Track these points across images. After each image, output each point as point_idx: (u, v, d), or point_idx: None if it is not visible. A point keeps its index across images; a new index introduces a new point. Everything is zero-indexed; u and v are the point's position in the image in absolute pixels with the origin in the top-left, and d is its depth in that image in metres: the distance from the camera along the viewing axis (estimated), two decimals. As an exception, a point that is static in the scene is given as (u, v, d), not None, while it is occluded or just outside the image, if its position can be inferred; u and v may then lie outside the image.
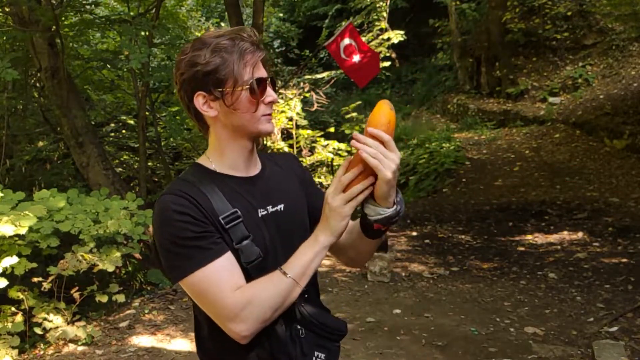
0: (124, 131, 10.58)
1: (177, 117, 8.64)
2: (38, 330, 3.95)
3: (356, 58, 7.02)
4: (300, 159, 10.86)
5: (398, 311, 4.50)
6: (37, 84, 8.52)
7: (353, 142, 1.12)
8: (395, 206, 1.17)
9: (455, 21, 13.63)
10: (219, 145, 1.25)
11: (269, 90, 1.23)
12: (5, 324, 3.80)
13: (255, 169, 1.31)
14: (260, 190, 1.28)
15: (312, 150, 11.02)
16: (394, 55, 12.71)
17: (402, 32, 12.23)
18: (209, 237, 1.14)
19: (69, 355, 3.84)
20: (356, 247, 1.32)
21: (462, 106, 13.10)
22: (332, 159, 10.71)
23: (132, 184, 8.98)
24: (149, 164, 9.75)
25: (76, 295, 4.11)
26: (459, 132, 11.92)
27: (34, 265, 3.87)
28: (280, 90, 11.01)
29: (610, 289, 4.68)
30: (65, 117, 6.44)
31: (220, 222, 1.16)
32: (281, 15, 17.41)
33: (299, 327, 1.23)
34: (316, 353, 1.24)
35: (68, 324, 4.07)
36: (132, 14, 7.53)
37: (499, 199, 8.10)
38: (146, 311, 4.57)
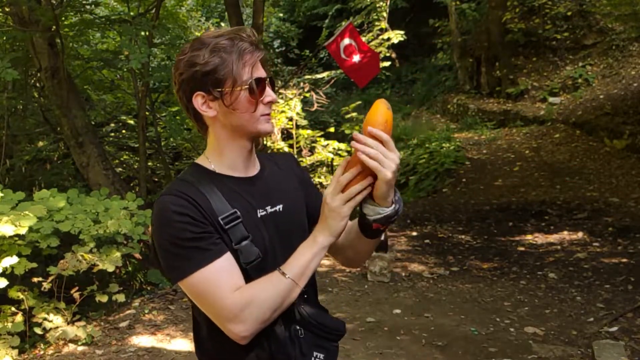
0: (124, 131, 10.58)
1: (177, 117, 8.64)
2: (38, 330, 3.95)
3: (356, 58, 7.02)
4: (300, 159, 10.85)
5: (398, 311, 4.50)
6: (37, 84, 8.53)
7: (353, 142, 1.12)
8: (393, 205, 1.17)
9: (455, 21, 13.63)
10: (218, 146, 1.25)
11: (268, 90, 1.23)
12: (5, 324, 3.80)
13: (255, 169, 1.31)
14: (260, 190, 1.28)
15: (312, 150, 11.01)
16: (394, 55, 12.71)
17: (402, 32, 12.22)
18: (208, 238, 1.14)
19: (69, 355, 3.84)
20: (354, 247, 1.32)
21: (462, 106, 13.10)
22: (332, 159, 10.71)
23: (132, 184, 8.98)
24: (149, 164, 9.75)
25: (76, 295, 4.11)
26: (459, 132, 11.92)
27: (34, 265, 3.87)
28: (280, 90, 11.01)
29: (610, 289, 4.68)
30: (65, 117, 6.44)
31: (219, 223, 1.16)
32: (281, 15, 17.41)
33: (298, 327, 1.22)
34: (315, 353, 1.24)
35: (68, 324, 4.07)
36: (132, 14, 7.53)
37: (499, 199, 8.10)
38: (146, 311, 4.57)
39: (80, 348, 3.94)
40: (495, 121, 11.82)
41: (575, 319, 4.17)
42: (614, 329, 3.90)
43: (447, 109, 13.73)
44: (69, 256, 3.99)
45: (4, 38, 6.83)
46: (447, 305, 4.60)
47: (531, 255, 5.82)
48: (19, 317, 3.87)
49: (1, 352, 3.64)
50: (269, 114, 1.24)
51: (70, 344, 3.98)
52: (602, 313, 4.22)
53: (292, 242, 1.25)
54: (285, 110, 10.90)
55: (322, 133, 11.28)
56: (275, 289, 1.15)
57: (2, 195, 3.97)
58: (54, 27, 5.84)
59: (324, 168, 10.89)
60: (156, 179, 9.74)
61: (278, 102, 10.66)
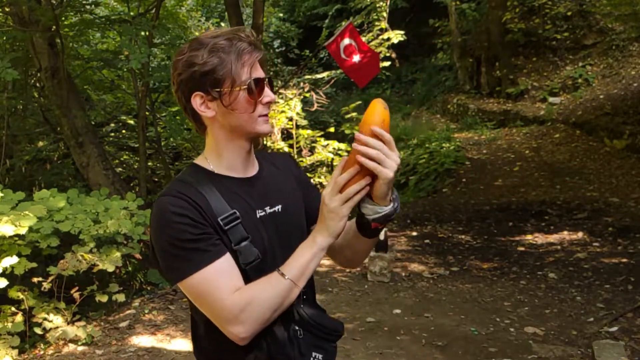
0: (124, 131, 10.59)
1: (177, 117, 8.64)
2: (38, 330, 3.95)
3: (356, 58, 7.02)
4: (300, 159, 10.85)
5: (398, 311, 4.50)
6: (37, 84, 8.53)
7: (355, 144, 1.12)
8: (392, 204, 1.17)
9: (455, 21, 13.62)
10: (217, 146, 1.25)
11: (267, 90, 1.22)
12: (5, 324, 3.80)
13: (253, 169, 1.31)
14: (258, 191, 1.27)
15: (312, 150, 11.00)
16: (394, 55, 12.69)
17: (402, 32, 12.21)
18: (208, 239, 1.14)
19: (69, 355, 3.84)
20: (352, 247, 1.31)
21: (462, 106, 13.10)
22: (332, 159, 10.70)
23: (132, 184, 8.97)
24: (149, 164, 9.74)
25: (76, 295, 4.11)
26: (459, 132, 11.92)
27: (34, 265, 3.87)
28: (280, 90, 11.00)
29: (610, 289, 4.68)
30: (65, 117, 6.44)
31: (219, 224, 1.16)
32: (281, 15, 17.41)
33: (297, 328, 1.23)
34: (314, 354, 1.24)
35: (68, 324, 4.07)
36: (132, 14, 7.54)
37: (499, 199, 8.10)
38: (146, 311, 4.57)
39: (80, 348, 3.94)
40: (495, 121, 11.82)
41: (575, 319, 4.17)
42: (614, 329, 3.90)
43: (447, 109, 13.73)
44: (69, 256, 3.99)
45: (4, 38, 6.83)
46: (447, 305, 4.60)
47: (531, 255, 5.82)
48: (19, 317, 3.87)
49: (1, 352, 3.64)
50: (267, 115, 1.24)
51: (70, 344, 3.98)
52: (602, 313, 4.22)
53: (291, 242, 1.25)
54: (285, 110, 10.89)
55: (322, 133, 11.27)
56: (274, 289, 1.15)
57: (2, 195, 3.97)
58: (54, 27, 5.85)
59: (324, 168, 10.88)
60: (156, 179, 9.74)
61: (278, 102, 10.66)
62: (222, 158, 1.25)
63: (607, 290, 4.68)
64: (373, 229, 1.21)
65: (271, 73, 13.12)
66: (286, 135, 11.16)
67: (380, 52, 11.23)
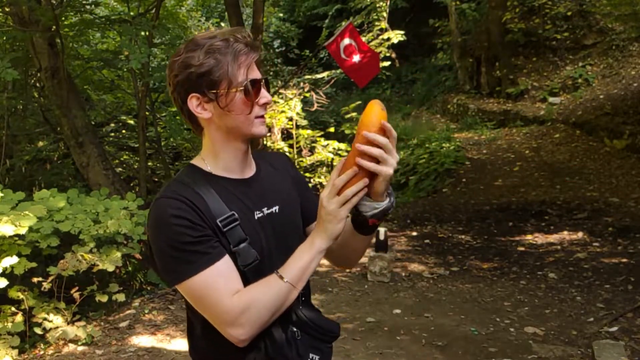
0: (124, 131, 10.58)
1: (177, 117, 8.63)
2: (38, 330, 3.95)
3: (356, 58, 7.02)
4: (300, 159, 10.85)
5: (398, 311, 4.50)
6: (37, 84, 8.53)
7: (357, 145, 1.12)
8: (388, 198, 1.18)
9: (455, 21, 13.62)
10: (213, 147, 1.25)
11: (263, 91, 1.22)
12: (5, 324, 3.80)
13: (250, 170, 1.31)
14: (256, 192, 1.27)
15: (312, 150, 11.00)
16: (394, 55, 12.68)
17: (402, 32, 12.21)
18: (207, 242, 1.14)
19: (69, 355, 3.84)
20: (349, 246, 1.31)
21: (462, 106, 13.10)
22: (332, 159, 10.70)
23: (132, 184, 8.97)
24: (149, 164, 9.74)
25: (76, 295, 4.11)
26: (459, 132, 11.92)
27: (34, 265, 3.87)
28: (280, 90, 11.00)
29: (610, 289, 4.68)
30: (65, 117, 6.44)
31: (217, 225, 1.16)
32: (281, 15, 17.40)
33: (295, 329, 1.23)
34: (311, 355, 1.24)
35: (68, 324, 4.07)
36: (132, 14, 7.53)
37: (499, 199, 8.10)
38: (146, 311, 4.57)
39: (80, 348, 3.94)
40: (495, 121, 11.82)
41: (575, 319, 4.17)
42: (614, 329, 3.90)
43: (447, 109, 13.72)
44: (69, 256, 3.99)
45: (4, 38, 6.83)
46: (447, 305, 4.60)
47: (531, 255, 5.82)
48: (19, 317, 3.87)
49: (1, 352, 3.64)
50: (263, 116, 1.23)
51: (70, 344, 3.98)
52: (602, 313, 4.22)
53: (288, 243, 1.25)
54: (285, 110, 10.89)
55: (322, 133, 11.27)
56: (273, 292, 1.15)
57: (2, 195, 3.97)
58: (54, 27, 5.84)
59: (324, 168, 10.87)
60: (156, 179, 9.74)
61: (277, 102, 10.66)
62: (219, 159, 1.25)
63: (607, 290, 4.68)
64: (370, 225, 1.22)
65: (271, 73, 13.13)
66: (286, 135, 11.16)
67: (380, 52, 11.23)
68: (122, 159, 10.36)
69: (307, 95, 11.68)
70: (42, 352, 3.91)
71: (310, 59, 12.83)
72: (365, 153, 1.11)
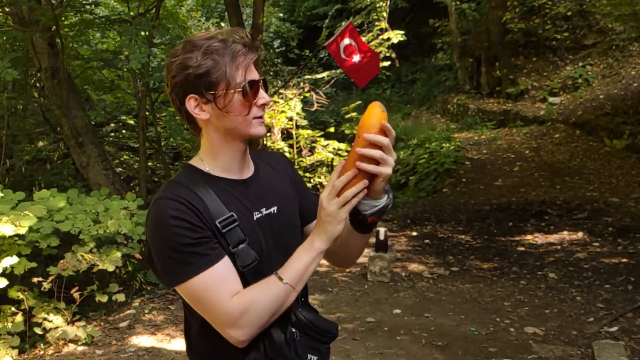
0: (124, 131, 10.59)
1: (177, 117, 8.61)
2: (38, 330, 3.95)
3: (356, 58, 7.03)
4: (300, 159, 10.85)
5: (398, 311, 4.50)
6: (37, 84, 8.53)
7: (358, 149, 1.12)
8: (386, 195, 1.19)
9: (455, 21, 13.62)
10: (212, 148, 1.25)
11: (261, 92, 1.22)
12: (5, 324, 3.80)
13: (249, 171, 1.30)
14: (254, 192, 1.27)
15: (312, 150, 11.01)
16: (394, 55, 12.69)
17: (402, 32, 12.21)
18: (206, 243, 1.14)
19: (69, 355, 3.84)
20: (348, 245, 1.31)
21: (462, 106, 13.10)
22: (332, 159, 10.71)
23: (132, 184, 8.97)
24: (149, 164, 9.74)
25: (76, 295, 4.11)
26: (459, 132, 11.92)
27: (34, 265, 3.87)
28: (280, 90, 11.01)
29: (610, 289, 4.68)
30: (65, 117, 6.44)
31: (216, 227, 1.16)
32: (281, 15, 17.40)
33: (293, 330, 1.23)
34: (309, 356, 1.24)
35: (68, 324, 4.07)
36: (132, 14, 7.53)
37: (499, 199, 8.10)
38: (146, 311, 4.57)
39: (80, 348, 3.94)
40: (495, 121, 11.82)
41: (575, 319, 4.18)
42: (614, 329, 3.90)
43: (447, 109, 13.72)
44: (69, 256, 3.99)
45: (4, 38, 6.83)
46: (447, 305, 4.60)
47: (531, 255, 5.82)
48: (19, 317, 3.87)
49: (1, 352, 3.64)
50: (261, 117, 1.23)
51: (70, 344, 3.98)
52: (602, 313, 4.22)
53: (287, 243, 1.25)
54: (285, 110, 10.90)
55: (322, 133, 11.28)
56: (272, 294, 1.15)
57: (2, 195, 3.97)
58: (54, 27, 5.85)
59: (324, 168, 10.88)
60: (156, 179, 9.73)
61: (277, 102, 10.66)
62: (218, 160, 1.25)
63: (607, 290, 4.68)
64: (369, 223, 1.22)
65: (271, 73, 13.12)
66: (286, 135, 11.17)
67: (380, 52, 11.24)
68: (122, 159, 10.36)
69: (307, 95, 11.68)
70: (42, 352, 3.91)
71: (310, 59, 12.83)
72: (366, 156, 1.11)
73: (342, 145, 10.80)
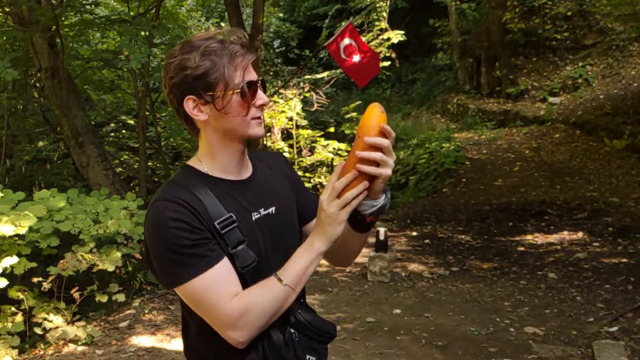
0: (124, 131, 10.59)
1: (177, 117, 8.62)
2: (38, 330, 3.95)
3: (356, 58, 7.03)
4: (300, 159, 10.85)
5: (398, 311, 4.50)
6: (37, 84, 8.53)
7: (358, 152, 1.13)
8: (384, 195, 1.19)
9: (455, 21, 13.62)
10: (210, 149, 1.24)
11: (260, 92, 1.22)
12: (5, 324, 3.80)
13: (247, 171, 1.30)
14: (253, 193, 1.27)
15: (312, 150, 11.01)
16: (394, 55, 12.69)
17: (402, 32, 12.22)
18: (205, 244, 1.13)
19: (69, 355, 3.84)
20: (346, 245, 1.31)
21: (462, 106, 13.10)
22: (332, 159, 10.71)
23: (132, 184, 8.97)
24: (149, 164, 9.74)
25: (76, 295, 4.11)
26: (459, 132, 11.92)
27: (34, 265, 3.87)
28: (280, 90, 11.01)
29: (610, 289, 4.68)
30: (65, 117, 6.44)
31: (215, 228, 1.16)
32: (281, 15, 17.40)
33: (292, 330, 1.23)
34: (308, 357, 1.24)
35: (68, 324, 4.07)
36: (132, 14, 7.53)
37: (499, 199, 8.10)
38: (146, 311, 4.57)
39: (80, 348, 3.94)
40: (495, 121, 11.82)
41: (575, 319, 4.18)
42: (614, 329, 3.90)
43: (447, 109, 13.72)
44: (69, 256, 3.99)
45: (4, 38, 6.83)
46: (447, 305, 4.60)
47: (531, 255, 5.82)
48: (19, 317, 3.87)
49: (1, 352, 3.64)
50: (260, 117, 1.23)
51: (70, 344, 3.98)
52: (602, 313, 4.22)
53: (285, 243, 1.26)
54: (285, 110, 10.90)
55: (322, 133, 11.28)
56: (272, 295, 1.15)
57: (2, 195, 3.97)
58: (54, 27, 5.84)
59: (324, 168, 10.89)
60: (156, 179, 9.73)
61: (277, 102, 10.66)
62: (216, 161, 1.24)
63: (607, 290, 4.68)
64: (368, 223, 1.22)
65: (271, 73, 13.13)
66: (286, 135, 11.17)
67: (380, 52, 11.24)
68: (122, 159, 10.36)
69: (307, 95, 11.69)
70: (42, 352, 3.91)
71: (310, 59, 12.83)
72: (367, 158, 1.12)
73: (342, 145, 10.81)
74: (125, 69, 8.20)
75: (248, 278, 1.18)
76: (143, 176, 7.38)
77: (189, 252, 1.12)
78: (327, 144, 10.85)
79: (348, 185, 1.14)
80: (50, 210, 4.08)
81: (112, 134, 10.51)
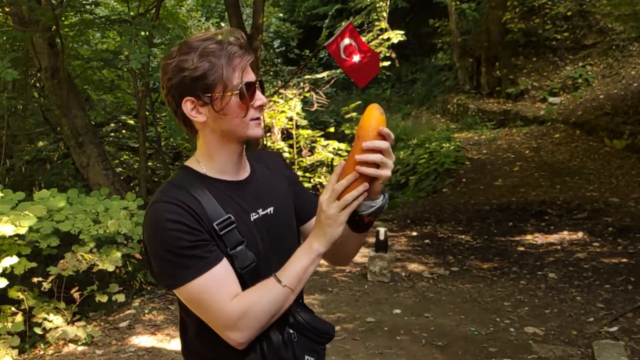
0: (124, 131, 10.58)
1: (177, 117, 8.61)
2: (38, 330, 3.95)
3: (356, 58, 7.03)
4: (300, 159, 10.85)
5: (398, 311, 4.50)
6: (37, 84, 8.53)
7: (357, 156, 1.13)
8: (382, 195, 1.19)
9: (455, 21, 13.62)
10: (208, 150, 1.24)
11: (258, 93, 1.22)
12: (5, 324, 3.80)
13: (245, 172, 1.30)
14: (251, 193, 1.27)
15: (312, 150, 11.01)
16: (394, 55, 12.69)
17: (402, 32, 12.22)
18: (204, 246, 1.13)
19: (69, 355, 3.84)
20: (345, 245, 1.31)
21: (462, 106, 13.10)
22: (332, 159, 10.71)
23: (132, 184, 8.97)
24: (149, 164, 9.74)
25: (76, 295, 4.11)
26: (459, 132, 11.92)
27: (34, 265, 3.87)
28: (280, 90, 11.01)
29: (610, 289, 4.68)
30: (65, 117, 6.44)
31: (214, 229, 1.16)
32: (281, 15, 17.40)
33: (291, 331, 1.23)
34: (307, 357, 1.25)
35: (68, 324, 4.07)
36: (132, 14, 7.53)
37: (499, 199, 8.10)
38: (146, 311, 4.57)
39: (80, 348, 3.94)
40: (495, 121, 11.82)
41: (575, 319, 4.18)
42: (614, 329, 3.90)
43: (447, 109, 13.73)
44: (69, 256, 3.99)
45: (4, 38, 6.83)
46: (447, 305, 4.60)
47: (531, 255, 5.82)
48: (19, 317, 3.87)
49: (1, 352, 3.64)
50: (259, 118, 1.23)
51: (70, 344, 3.98)
52: (602, 313, 4.22)
53: (283, 243, 1.26)
54: (285, 110, 10.90)
55: (322, 133, 11.28)
56: (271, 296, 1.15)
57: (2, 195, 3.97)
58: (54, 27, 5.84)
59: (324, 168, 10.89)
60: (156, 179, 9.73)
61: (277, 102, 10.66)
62: (214, 161, 1.24)
63: (607, 290, 4.68)
64: (366, 223, 1.22)
65: (271, 73, 13.13)
66: (286, 135, 11.17)
67: (380, 52, 11.24)
68: (122, 159, 10.36)
69: (307, 95, 11.68)
70: (42, 352, 3.91)
71: (310, 59, 12.83)
72: (367, 161, 1.12)
73: (342, 145, 10.81)
74: (125, 69, 8.20)
75: (247, 279, 1.18)
76: (143, 176, 7.38)
77: (188, 254, 1.12)
78: (327, 144, 10.85)
79: (348, 187, 1.14)
80: (50, 210, 4.09)
81: (112, 134, 10.51)
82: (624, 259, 5.34)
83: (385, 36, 12.28)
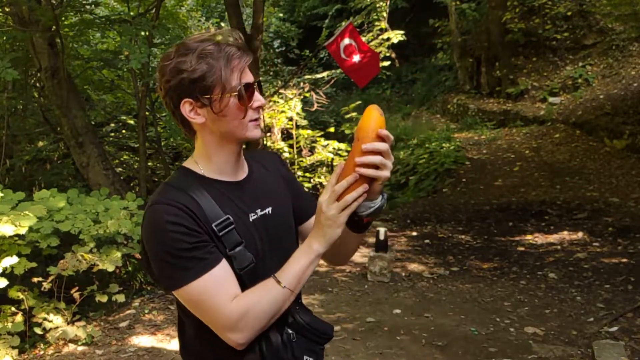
0: (124, 131, 10.58)
1: (177, 118, 8.60)
2: (38, 330, 3.95)
3: (356, 58, 7.03)
4: (300, 159, 10.86)
5: (398, 311, 4.50)
6: (37, 84, 8.52)
7: (357, 158, 1.13)
8: (381, 196, 1.20)
9: (455, 21, 13.62)
10: (206, 151, 1.24)
11: (257, 94, 1.21)
12: (5, 324, 3.80)
13: (243, 172, 1.30)
14: (249, 194, 1.27)
15: (312, 150, 11.01)
16: (394, 55, 12.69)
17: (402, 32, 12.22)
18: (204, 247, 1.13)
19: (69, 355, 3.84)
20: (343, 245, 1.30)
21: (462, 106, 13.10)
22: (332, 159, 10.71)
23: (132, 184, 8.97)
24: (149, 164, 9.74)
25: (76, 295, 4.11)
26: (459, 132, 11.92)
27: (34, 265, 3.87)
28: (280, 90, 11.01)
29: (610, 289, 4.68)
30: (65, 117, 6.44)
31: (213, 230, 1.16)
32: (281, 15, 17.40)
33: (290, 331, 1.23)
34: (306, 357, 1.25)
35: (68, 324, 4.07)
36: (132, 14, 7.53)
37: (499, 199, 8.10)
38: (146, 311, 4.57)
39: (80, 348, 3.94)
40: (495, 121, 11.82)
41: (575, 319, 4.18)
42: (614, 329, 3.90)
43: (447, 109, 13.73)
44: (69, 256, 3.99)
45: (4, 38, 6.82)
46: (447, 305, 4.60)
47: (531, 255, 5.82)
48: (19, 317, 3.87)
49: (1, 352, 3.64)
50: (257, 119, 1.23)
51: (70, 344, 3.98)
52: (602, 313, 4.22)
53: (282, 243, 1.26)
54: (285, 110, 10.90)
55: (322, 133, 11.28)
56: (271, 297, 1.15)
57: (2, 195, 3.97)
58: (54, 27, 5.84)
59: (324, 168, 10.89)
60: (156, 179, 9.73)
61: (277, 102, 10.66)
62: (212, 162, 1.24)
63: (607, 290, 4.68)
64: (365, 223, 1.23)
65: (271, 73, 13.13)
66: (286, 135, 11.17)
67: (380, 52, 11.24)
68: (122, 159, 10.36)
69: (307, 95, 11.68)
70: (42, 352, 3.91)
71: (310, 59, 12.84)
72: (366, 163, 1.12)
73: (342, 145, 10.81)
74: (125, 69, 8.20)
75: (246, 279, 1.18)
76: (143, 176, 7.38)
77: (187, 256, 1.12)
78: (327, 144, 10.85)
79: (348, 188, 1.14)
80: (50, 210, 4.09)
81: (112, 134, 10.51)
82: (624, 259, 5.34)
83: (385, 36, 12.28)
